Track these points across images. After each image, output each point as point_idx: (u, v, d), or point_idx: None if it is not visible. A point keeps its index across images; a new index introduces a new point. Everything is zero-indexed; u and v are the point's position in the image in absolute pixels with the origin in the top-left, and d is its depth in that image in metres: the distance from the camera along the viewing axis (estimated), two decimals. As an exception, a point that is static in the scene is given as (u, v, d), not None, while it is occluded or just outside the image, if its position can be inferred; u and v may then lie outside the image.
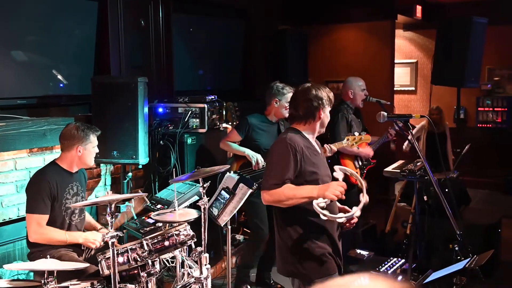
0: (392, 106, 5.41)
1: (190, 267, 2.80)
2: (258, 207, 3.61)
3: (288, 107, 3.57)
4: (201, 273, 2.64)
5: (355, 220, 2.47)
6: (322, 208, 2.22)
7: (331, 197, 2.23)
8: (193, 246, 2.74)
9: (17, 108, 3.42)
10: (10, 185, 3.26)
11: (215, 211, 2.95)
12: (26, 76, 3.54)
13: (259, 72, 5.62)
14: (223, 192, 2.95)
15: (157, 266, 2.66)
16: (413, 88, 7.59)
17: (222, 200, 2.93)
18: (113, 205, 2.32)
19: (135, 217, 3.42)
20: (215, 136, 4.03)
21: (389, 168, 3.99)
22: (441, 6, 6.73)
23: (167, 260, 2.89)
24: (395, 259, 3.89)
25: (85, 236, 2.85)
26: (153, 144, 3.94)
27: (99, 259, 2.52)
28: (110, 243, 2.28)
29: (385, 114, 2.74)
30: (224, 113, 4.38)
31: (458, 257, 2.47)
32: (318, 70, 6.22)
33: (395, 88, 6.46)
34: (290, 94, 3.55)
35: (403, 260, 3.85)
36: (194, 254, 2.66)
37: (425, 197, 3.77)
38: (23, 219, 2.91)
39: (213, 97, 4.15)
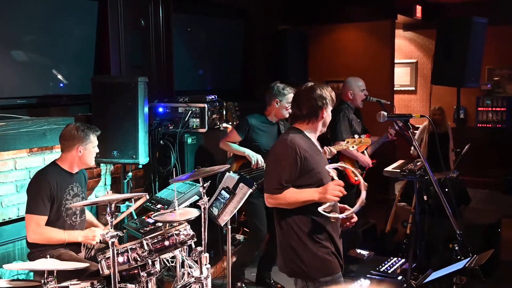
0: (392, 106, 5.41)
1: (190, 267, 2.80)
2: (257, 207, 3.61)
3: (288, 108, 3.59)
4: (201, 272, 2.64)
5: (355, 219, 2.48)
6: (330, 211, 2.25)
7: (333, 199, 2.26)
8: (193, 246, 2.74)
9: (17, 107, 3.42)
10: (10, 185, 3.26)
11: (215, 211, 2.95)
12: (26, 75, 3.54)
13: (259, 72, 5.62)
14: (223, 192, 2.95)
15: (157, 266, 2.66)
16: (413, 88, 7.59)
17: (222, 200, 2.93)
18: (113, 205, 2.32)
19: (135, 217, 3.42)
20: (215, 136, 4.04)
21: (389, 168, 3.99)
22: (441, 6, 6.74)
23: (167, 260, 2.90)
24: (395, 258, 3.90)
25: (84, 234, 2.85)
26: (153, 144, 3.95)
27: (99, 259, 2.52)
28: (110, 243, 2.28)
29: (385, 114, 2.74)
30: (224, 113, 4.38)
31: (458, 257, 2.46)
32: (318, 70, 6.22)
33: (395, 88, 6.46)
34: (291, 95, 3.55)
35: (403, 260, 3.86)
36: (194, 254, 2.66)
37: (425, 197, 3.77)
38: (23, 219, 2.91)
39: (213, 97, 4.15)
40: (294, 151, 2.30)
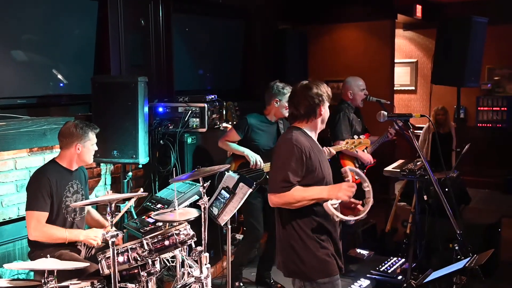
0: (392, 106, 5.41)
1: (190, 267, 2.80)
2: (254, 207, 3.62)
3: (287, 107, 3.58)
4: (201, 272, 2.65)
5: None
6: (336, 209, 2.24)
7: (344, 198, 2.25)
8: (193, 246, 2.74)
9: (17, 107, 3.42)
10: (10, 184, 3.27)
11: (215, 211, 2.95)
12: (26, 75, 3.54)
13: (259, 71, 5.62)
14: (223, 191, 2.95)
15: (157, 266, 2.66)
16: (413, 88, 7.59)
17: (222, 200, 2.93)
18: (113, 205, 2.32)
19: (135, 217, 3.43)
20: (215, 136, 4.03)
21: (389, 168, 3.99)
22: (441, 5, 6.74)
23: (167, 260, 2.90)
24: (395, 258, 3.90)
25: (86, 234, 2.85)
26: (153, 143, 3.95)
27: (99, 259, 2.52)
28: (110, 242, 2.28)
29: (385, 113, 2.75)
30: (224, 112, 4.38)
31: (458, 257, 2.46)
32: (318, 70, 6.22)
33: (395, 88, 6.46)
34: None
35: (403, 260, 3.86)
36: (194, 254, 2.66)
37: (425, 197, 3.77)
38: (23, 218, 2.91)
39: (213, 96, 4.15)
40: (300, 149, 2.29)
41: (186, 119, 3.95)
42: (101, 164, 3.80)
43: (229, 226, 3.04)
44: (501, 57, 6.72)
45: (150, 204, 3.41)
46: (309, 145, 2.34)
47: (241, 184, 2.86)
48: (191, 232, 2.77)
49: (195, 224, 2.87)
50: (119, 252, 2.51)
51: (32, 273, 2.97)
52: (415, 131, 5.69)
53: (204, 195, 2.81)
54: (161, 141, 3.97)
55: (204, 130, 3.99)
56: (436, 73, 4.85)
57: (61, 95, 3.85)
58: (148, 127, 3.58)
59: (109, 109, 3.43)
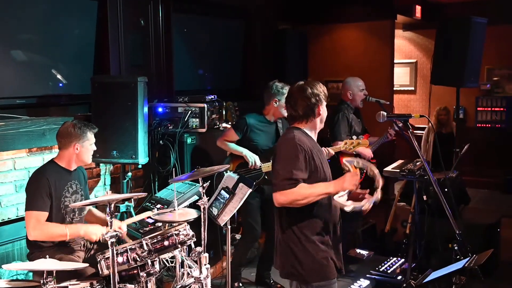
0: (391, 106, 5.41)
1: (189, 267, 2.80)
2: (252, 207, 3.61)
3: None
4: (200, 272, 2.64)
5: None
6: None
7: (351, 187, 2.26)
8: (193, 246, 2.74)
9: (16, 107, 3.42)
10: (9, 184, 3.26)
11: (214, 211, 2.95)
12: (26, 75, 3.54)
13: (259, 72, 5.62)
14: (222, 191, 2.95)
15: (157, 266, 2.66)
16: (413, 88, 7.59)
17: (221, 200, 2.93)
18: (112, 205, 2.32)
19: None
20: (215, 136, 4.03)
21: (389, 168, 3.99)
22: (441, 6, 6.74)
23: (167, 260, 2.89)
24: (394, 258, 3.90)
25: (86, 229, 2.83)
26: (153, 143, 3.94)
27: (99, 259, 2.51)
28: (109, 243, 2.28)
29: (385, 114, 2.75)
30: (224, 112, 4.38)
31: (458, 257, 2.47)
32: (318, 70, 6.22)
33: (394, 88, 6.46)
34: None
35: (403, 260, 3.86)
36: (194, 254, 2.66)
37: (424, 197, 3.77)
38: (22, 219, 2.91)
39: (213, 96, 4.15)
40: (303, 149, 2.29)
41: (185, 119, 3.95)
42: (101, 164, 3.80)
43: (229, 227, 3.04)
44: (500, 57, 6.72)
45: (150, 204, 3.41)
46: (310, 145, 2.34)
47: (240, 184, 2.86)
48: (191, 233, 2.77)
49: (194, 224, 2.86)
50: (119, 252, 2.50)
51: (31, 274, 2.97)
52: (415, 132, 5.69)
53: (203, 196, 2.81)
54: (161, 141, 3.97)
55: (203, 130, 3.99)
56: (436, 73, 4.85)
57: (60, 95, 3.84)
58: (147, 127, 3.58)
59: (109, 109, 3.43)
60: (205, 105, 3.96)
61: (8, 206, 3.26)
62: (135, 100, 3.38)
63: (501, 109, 6.86)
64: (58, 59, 3.75)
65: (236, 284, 3.73)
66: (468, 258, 2.32)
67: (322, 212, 2.34)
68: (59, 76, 3.79)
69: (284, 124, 3.80)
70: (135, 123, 3.39)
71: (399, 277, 3.64)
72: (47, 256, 2.45)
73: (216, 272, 4.03)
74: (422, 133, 6.17)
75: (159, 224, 3.01)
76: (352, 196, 2.35)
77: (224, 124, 4.33)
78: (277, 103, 3.61)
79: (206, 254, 2.68)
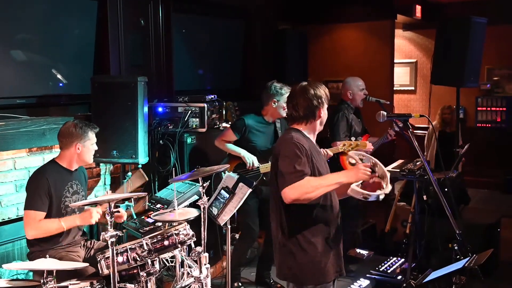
0: (391, 106, 5.41)
1: (189, 267, 2.80)
2: (249, 208, 3.61)
3: (285, 107, 3.57)
4: (200, 272, 2.64)
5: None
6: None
7: (365, 178, 2.22)
8: (193, 246, 2.74)
9: (16, 107, 3.42)
10: (9, 184, 3.26)
11: (214, 211, 2.95)
12: (26, 75, 3.54)
13: (259, 71, 5.62)
14: (222, 191, 2.95)
15: (157, 266, 2.66)
16: (413, 88, 7.59)
17: (221, 200, 2.93)
18: (112, 205, 2.32)
19: (135, 217, 3.42)
20: (215, 136, 4.03)
21: (389, 168, 3.99)
22: (441, 6, 6.74)
23: (167, 260, 2.89)
24: (394, 258, 3.90)
25: (81, 216, 2.80)
26: (153, 143, 3.95)
27: (99, 259, 2.51)
28: (109, 242, 2.28)
29: (385, 113, 2.75)
30: (224, 112, 4.38)
31: (458, 257, 2.47)
32: (318, 70, 6.22)
33: (394, 88, 6.46)
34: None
35: (403, 260, 3.86)
36: (194, 254, 2.66)
37: (424, 197, 3.77)
38: (22, 218, 2.91)
39: (213, 96, 4.15)
40: (304, 148, 2.28)
41: (185, 119, 3.95)
42: (101, 164, 3.79)
43: (229, 226, 3.04)
44: (500, 57, 6.72)
45: (150, 204, 3.41)
46: (308, 146, 2.33)
47: (240, 184, 2.86)
48: (191, 232, 2.77)
49: (194, 224, 2.86)
50: (118, 252, 2.50)
51: (31, 273, 2.97)
52: (415, 131, 5.70)
53: (203, 195, 2.81)
54: (161, 141, 3.97)
55: (203, 130, 3.99)
56: (436, 73, 4.85)
57: (60, 95, 3.85)
58: (147, 127, 3.58)
59: (109, 109, 3.43)
60: (205, 105, 3.96)
61: (8, 206, 3.26)
62: (135, 100, 3.38)
63: (501, 109, 6.87)
64: (58, 59, 3.75)
65: (235, 284, 3.74)
66: (468, 258, 2.32)
67: (322, 214, 2.32)
68: (59, 76, 3.79)
69: (283, 124, 3.80)
70: (135, 123, 3.39)
71: (399, 277, 3.65)
72: (48, 255, 2.45)
73: (216, 272, 4.03)
74: (422, 133, 6.18)
75: (159, 224, 3.00)
76: (364, 187, 2.29)
77: (224, 124, 4.33)
78: (276, 103, 3.61)
79: (206, 254, 2.68)
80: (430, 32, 6.26)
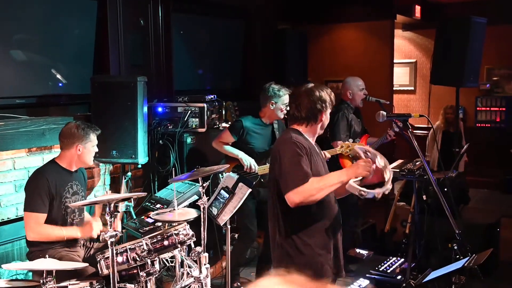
0: (391, 106, 5.41)
1: (189, 267, 2.80)
2: (247, 208, 3.60)
3: (283, 109, 3.57)
4: (200, 272, 2.64)
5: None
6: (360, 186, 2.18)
7: (365, 173, 2.20)
8: (193, 246, 2.74)
9: (16, 107, 3.42)
10: (9, 184, 3.26)
11: (214, 211, 2.95)
12: (25, 75, 3.53)
13: (259, 71, 5.62)
14: (222, 191, 2.95)
15: (157, 266, 2.66)
16: (412, 88, 7.60)
17: (221, 200, 2.93)
18: (112, 205, 2.32)
19: (135, 217, 3.42)
20: (215, 136, 4.03)
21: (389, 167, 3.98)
22: (440, 6, 6.74)
23: (167, 260, 2.89)
24: (394, 258, 3.90)
25: (83, 230, 2.84)
26: (153, 143, 3.94)
27: (98, 259, 2.51)
28: (109, 242, 2.28)
29: (384, 113, 2.75)
30: (223, 112, 4.38)
31: (457, 256, 2.47)
32: (317, 70, 6.22)
33: (394, 88, 6.46)
34: (287, 96, 3.52)
35: (402, 260, 3.86)
36: (194, 254, 2.66)
37: (424, 197, 3.77)
38: (21, 219, 2.91)
39: (212, 96, 4.14)
40: (303, 147, 2.26)
41: (185, 119, 3.95)
42: (100, 164, 3.79)
43: (229, 226, 3.04)
44: (500, 57, 6.72)
45: (150, 204, 3.41)
46: (307, 147, 2.31)
47: (240, 184, 2.86)
48: (190, 232, 2.77)
49: (194, 224, 2.86)
50: (118, 252, 2.50)
51: (30, 274, 2.97)
52: (414, 131, 5.69)
53: (203, 195, 2.81)
54: (161, 141, 3.97)
55: (203, 130, 3.99)
56: (435, 73, 4.85)
57: (60, 95, 3.84)
58: (147, 127, 3.58)
59: (109, 109, 3.43)
60: (205, 105, 3.96)
61: (8, 206, 3.26)
62: (135, 100, 3.38)
63: (501, 109, 6.87)
64: (58, 59, 3.75)
65: (235, 284, 3.74)
66: (467, 258, 2.32)
67: (320, 215, 2.31)
68: (59, 76, 3.79)
69: (280, 125, 3.79)
70: (134, 123, 3.39)
71: (399, 277, 3.64)
72: (47, 255, 2.45)
73: (215, 272, 4.03)
74: (422, 133, 6.17)
75: (159, 224, 3.00)
76: (364, 183, 2.27)
77: (223, 124, 4.33)
78: (274, 105, 3.59)
79: (206, 254, 2.68)
80: (430, 32, 6.26)
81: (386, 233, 4.68)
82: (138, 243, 2.59)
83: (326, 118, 2.40)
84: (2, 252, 3.19)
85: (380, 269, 3.72)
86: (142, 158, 3.47)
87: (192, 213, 2.86)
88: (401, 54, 7.45)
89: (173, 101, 4.08)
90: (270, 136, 3.72)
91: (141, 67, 4.20)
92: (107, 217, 2.30)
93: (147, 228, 3.07)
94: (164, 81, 4.45)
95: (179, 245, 2.71)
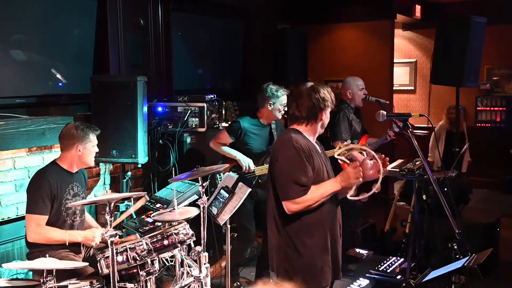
0: (391, 106, 5.41)
1: (189, 266, 2.80)
2: (245, 209, 3.59)
3: (281, 110, 3.57)
4: (200, 272, 2.64)
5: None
6: (356, 195, 2.24)
7: (358, 181, 2.24)
8: (192, 245, 2.74)
9: (16, 107, 3.42)
10: (9, 184, 3.26)
11: (214, 210, 2.95)
12: (25, 75, 3.53)
13: (259, 71, 5.62)
14: (222, 191, 2.95)
15: (156, 265, 2.66)
16: (412, 88, 7.60)
17: (221, 199, 2.93)
18: (112, 204, 2.32)
19: (135, 216, 3.42)
20: (211, 136, 4.03)
21: (389, 168, 3.98)
22: (440, 5, 6.74)
23: (167, 259, 2.89)
24: (394, 258, 3.90)
25: (84, 234, 2.85)
26: (153, 143, 3.94)
27: (98, 258, 2.51)
28: (109, 242, 2.28)
29: (384, 113, 2.75)
30: (223, 112, 4.38)
31: (457, 256, 2.47)
32: (317, 70, 6.22)
33: (394, 88, 6.46)
34: (285, 97, 3.52)
35: (402, 259, 3.86)
36: (193, 253, 2.66)
37: (424, 196, 3.77)
38: (22, 218, 2.91)
39: (212, 96, 4.15)
40: (304, 151, 2.25)
41: (185, 119, 3.95)
42: (100, 163, 3.79)
43: (228, 226, 3.04)
44: (500, 57, 6.72)
45: (149, 203, 3.41)
46: (307, 147, 2.30)
47: (240, 183, 2.86)
48: (190, 232, 2.77)
49: (194, 223, 2.86)
50: (118, 251, 2.50)
51: (31, 273, 2.97)
52: (414, 131, 5.69)
53: (203, 195, 2.81)
54: (160, 141, 3.97)
55: (203, 129, 3.99)
56: (435, 73, 4.85)
57: (60, 95, 3.84)
58: (147, 127, 3.58)
59: (109, 108, 3.43)
60: (205, 105, 3.96)
61: (8, 206, 3.26)
62: (135, 100, 3.38)
63: (501, 108, 6.87)
64: (58, 58, 3.75)
65: (234, 284, 3.74)
66: (467, 258, 2.33)
67: (318, 216, 2.30)
68: (58, 76, 3.79)
69: (278, 126, 3.79)
70: (134, 123, 3.39)
71: (399, 277, 3.65)
72: (47, 255, 2.45)
73: (215, 272, 4.04)
74: (422, 133, 6.17)
75: (159, 223, 3.01)
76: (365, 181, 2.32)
77: (223, 124, 4.33)
78: (272, 106, 3.59)
79: (206, 253, 2.69)
80: (430, 32, 6.26)
81: (386, 233, 4.69)
82: (138, 242, 2.59)
83: (326, 117, 2.40)
84: (3, 251, 3.19)
85: (380, 269, 3.72)
86: (142, 157, 3.47)
87: (192, 213, 2.86)
88: (401, 54, 7.45)
89: (173, 101, 4.08)
90: (268, 137, 3.72)
91: (141, 67, 4.20)
92: (107, 217, 2.30)
93: (147, 228, 3.07)
94: (164, 81, 4.45)
95: (179, 245, 2.71)
